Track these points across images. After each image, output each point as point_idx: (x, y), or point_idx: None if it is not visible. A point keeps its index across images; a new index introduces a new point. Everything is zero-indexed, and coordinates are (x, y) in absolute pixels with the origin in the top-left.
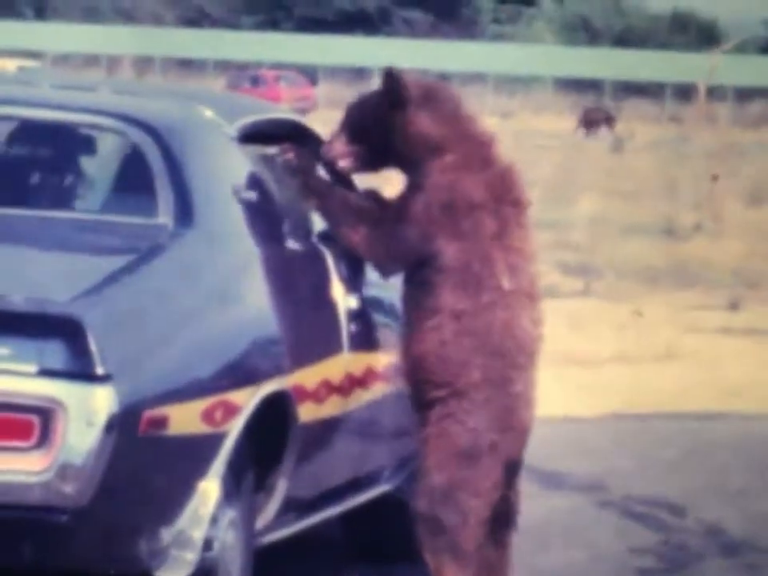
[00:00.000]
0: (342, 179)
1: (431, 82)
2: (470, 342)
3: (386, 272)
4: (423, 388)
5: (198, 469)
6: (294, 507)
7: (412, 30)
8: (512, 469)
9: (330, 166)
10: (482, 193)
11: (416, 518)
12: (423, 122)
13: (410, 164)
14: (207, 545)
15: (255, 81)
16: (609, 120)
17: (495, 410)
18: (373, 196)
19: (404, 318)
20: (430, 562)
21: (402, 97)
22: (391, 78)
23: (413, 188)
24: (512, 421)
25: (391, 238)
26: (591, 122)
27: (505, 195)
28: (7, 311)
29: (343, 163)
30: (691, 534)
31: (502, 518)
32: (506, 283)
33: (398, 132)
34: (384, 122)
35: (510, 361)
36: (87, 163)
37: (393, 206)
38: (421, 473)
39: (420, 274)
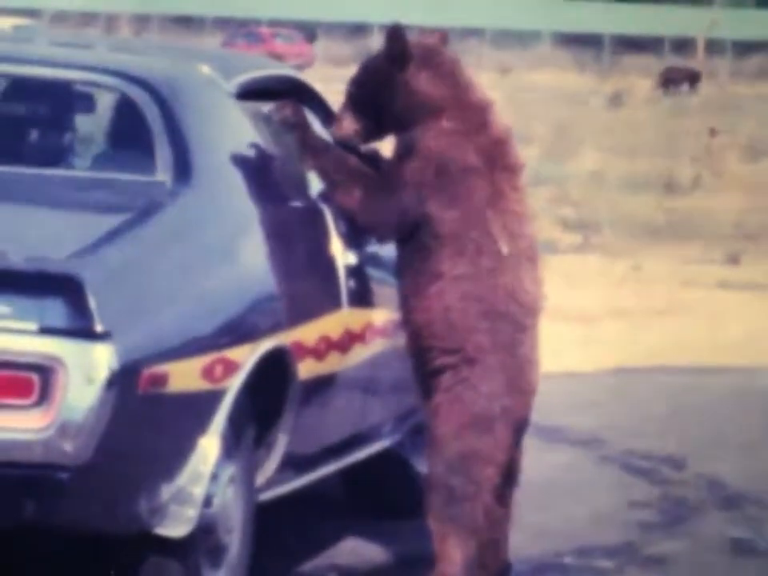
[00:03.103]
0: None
1: (432, 44)
2: (475, 307)
3: (380, 236)
4: (430, 355)
5: (198, 426)
6: (294, 464)
7: None
8: (520, 431)
9: (343, 144)
10: (476, 158)
11: (429, 487)
12: (423, 82)
13: (405, 126)
14: (207, 501)
15: (251, 38)
16: (693, 78)
17: (506, 373)
18: (372, 156)
19: (402, 284)
20: (434, 530)
21: (404, 54)
22: (395, 33)
23: (407, 152)
24: (521, 383)
25: (385, 201)
26: (672, 80)
27: (499, 160)
28: (6, 269)
29: (354, 140)
30: (691, 487)
31: (505, 476)
32: (505, 247)
33: (397, 91)
34: (385, 83)
35: (516, 324)
36: (85, 121)
37: (387, 170)
38: (434, 441)
39: (416, 239)
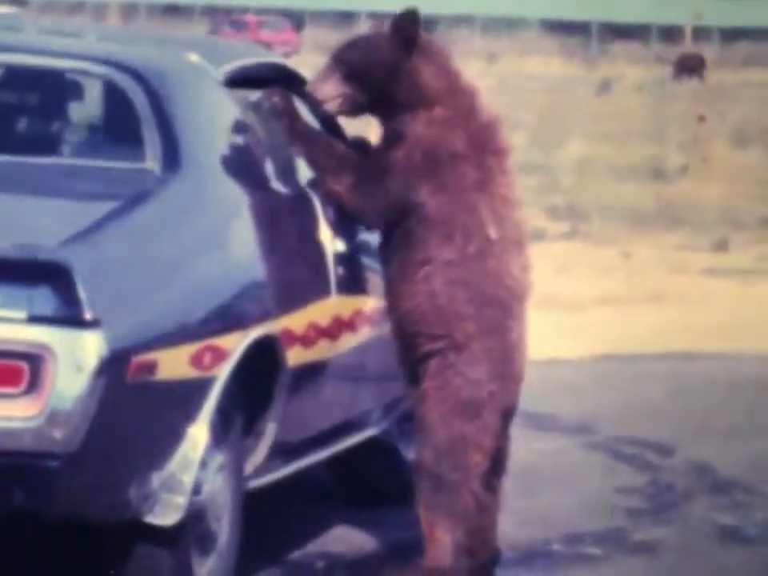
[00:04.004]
0: (329, 124)
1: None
2: (462, 293)
3: (368, 223)
4: (417, 342)
5: (187, 413)
6: (283, 451)
7: None
8: (508, 417)
9: (317, 107)
10: (464, 143)
11: (417, 474)
12: (427, 73)
13: (394, 111)
14: (196, 489)
15: (237, 26)
16: (702, 64)
17: (493, 359)
18: (360, 144)
19: (389, 270)
20: (423, 517)
21: (414, 42)
22: (409, 21)
23: (395, 138)
24: (509, 369)
25: (374, 188)
26: (685, 67)
27: (487, 145)
28: None
29: (331, 105)
30: (679, 473)
31: (493, 463)
32: (493, 232)
33: (402, 77)
34: (389, 66)
35: (503, 309)
36: (74, 109)
37: (375, 157)
38: (422, 428)
39: (404, 225)
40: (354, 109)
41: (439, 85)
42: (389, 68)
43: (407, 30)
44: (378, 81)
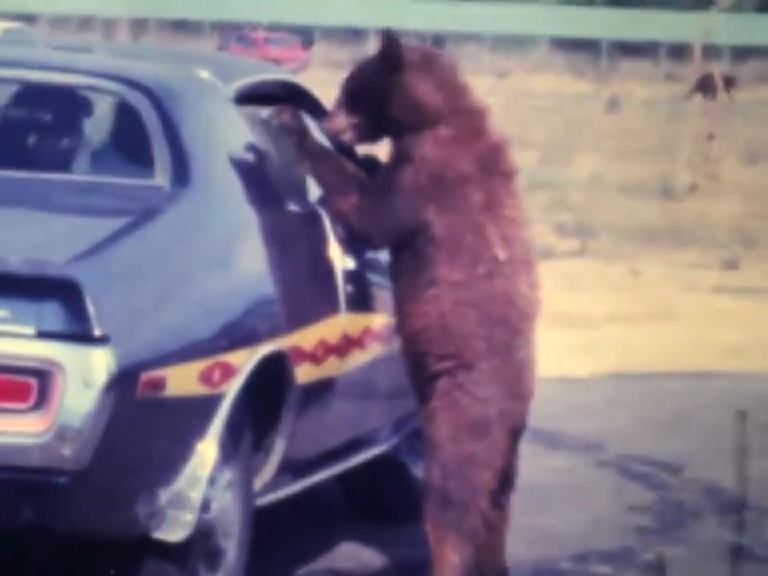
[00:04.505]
0: (340, 143)
1: (430, 48)
2: (471, 313)
3: (375, 243)
4: (426, 361)
5: (196, 430)
6: (292, 468)
7: None
8: (517, 435)
9: (334, 139)
10: (471, 165)
11: (425, 492)
12: (420, 88)
13: (401, 132)
14: (205, 506)
15: (245, 41)
16: (728, 83)
17: (503, 379)
18: (370, 163)
19: (398, 289)
20: (431, 534)
21: (399, 60)
22: (389, 40)
23: (402, 158)
24: (518, 388)
25: (381, 209)
26: (710, 87)
27: (494, 166)
28: (4, 273)
29: (345, 136)
30: (688, 492)
31: (501, 481)
32: (501, 254)
33: (394, 96)
34: (381, 87)
35: (513, 329)
36: (84, 125)
37: (382, 177)
38: (430, 446)
39: (412, 246)
40: (366, 136)
41: (438, 99)
42: (380, 89)
43: (387, 49)
44: (375, 104)
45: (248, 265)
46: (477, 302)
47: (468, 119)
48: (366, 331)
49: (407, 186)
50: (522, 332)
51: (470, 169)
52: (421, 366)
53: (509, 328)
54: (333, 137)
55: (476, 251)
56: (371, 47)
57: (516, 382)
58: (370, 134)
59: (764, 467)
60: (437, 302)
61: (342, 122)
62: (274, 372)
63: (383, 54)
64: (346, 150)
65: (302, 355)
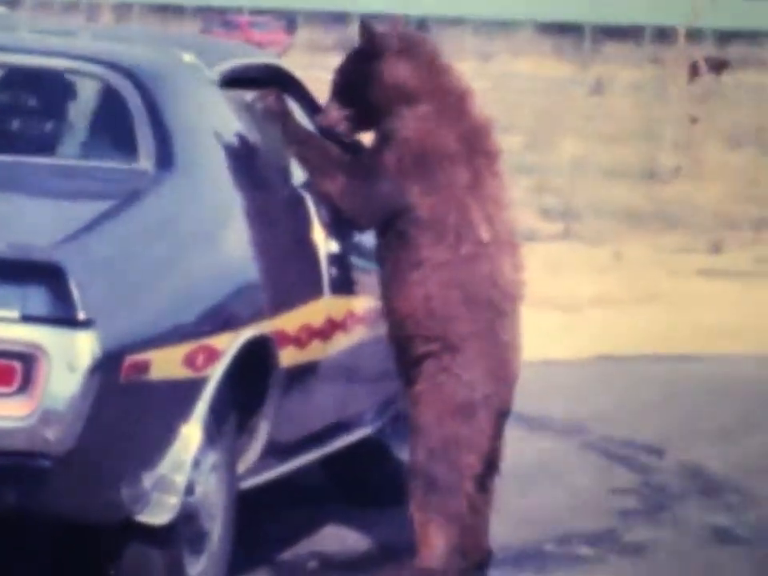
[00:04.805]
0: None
1: (410, 32)
2: (456, 295)
3: (361, 225)
4: (411, 344)
5: (180, 413)
6: (276, 451)
7: None
8: (502, 418)
9: (328, 134)
10: (454, 144)
11: (410, 475)
12: (399, 71)
13: (384, 114)
14: (189, 489)
15: (228, 25)
16: (721, 66)
17: (488, 361)
18: (354, 146)
19: (383, 272)
20: (416, 518)
21: (377, 47)
22: (365, 29)
23: (386, 140)
24: (503, 371)
25: (366, 190)
26: (695, 70)
27: (477, 146)
28: None
29: (340, 129)
30: (671, 475)
31: (486, 464)
32: (485, 234)
33: (374, 81)
34: (364, 75)
35: (497, 311)
36: (68, 109)
37: (367, 158)
38: (415, 429)
39: (396, 227)
40: (360, 126)
41: (418, 81)
42: (363, 77)
43: (365, 38)
44: (362, 93)
45: (232, 248)
46: (461, 283)
47: (450, 99)
48: (350, 314)
49: (391, 166)
50: (506, 313)
51: (454, 148)
52: (406, 348)
53: (493, 310)
54: (328, 130)
55: (460, 232)
56: (355, 32)
57: (501, 365)
58: (363, 123)
59: (747, 449)
60: (421, 284)
61: (335, 115)
62: (257, 355)
63: (361, 44)
64: (330, 134)
65: (285, 339)
